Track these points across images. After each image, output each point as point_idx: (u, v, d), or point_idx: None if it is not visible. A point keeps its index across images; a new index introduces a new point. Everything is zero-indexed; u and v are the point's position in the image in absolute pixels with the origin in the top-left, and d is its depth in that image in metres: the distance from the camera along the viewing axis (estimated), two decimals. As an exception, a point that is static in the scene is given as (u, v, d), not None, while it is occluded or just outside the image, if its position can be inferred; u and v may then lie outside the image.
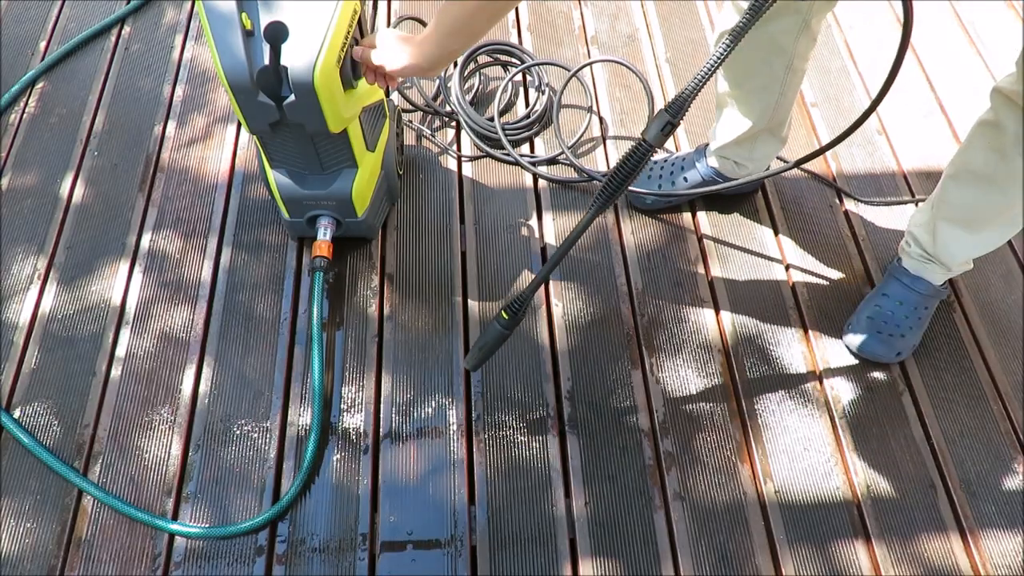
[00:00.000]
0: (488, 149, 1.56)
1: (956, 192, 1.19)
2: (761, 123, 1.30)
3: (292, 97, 1.05)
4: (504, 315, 1.10)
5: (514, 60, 1.71)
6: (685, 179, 1.45)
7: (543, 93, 1.63)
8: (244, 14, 1.01)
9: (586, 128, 1.61)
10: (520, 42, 1.77)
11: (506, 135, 1.55)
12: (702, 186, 1.45)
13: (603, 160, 1.59)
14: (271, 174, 1.25)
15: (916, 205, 1.51)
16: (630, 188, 1.49)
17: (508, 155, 1.55)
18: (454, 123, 1.62)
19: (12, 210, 1.48)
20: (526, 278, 1.40)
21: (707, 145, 1.45)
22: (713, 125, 1.40)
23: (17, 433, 1.21)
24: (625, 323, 1.36)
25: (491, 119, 1.57)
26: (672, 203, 1.49)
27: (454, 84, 1.61)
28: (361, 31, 1.16)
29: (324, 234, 1.30)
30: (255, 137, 1.20)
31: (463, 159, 1.57)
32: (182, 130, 1.60)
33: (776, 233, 1.49)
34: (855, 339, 1.33)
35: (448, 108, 1.62)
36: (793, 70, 1.22)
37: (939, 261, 1.27)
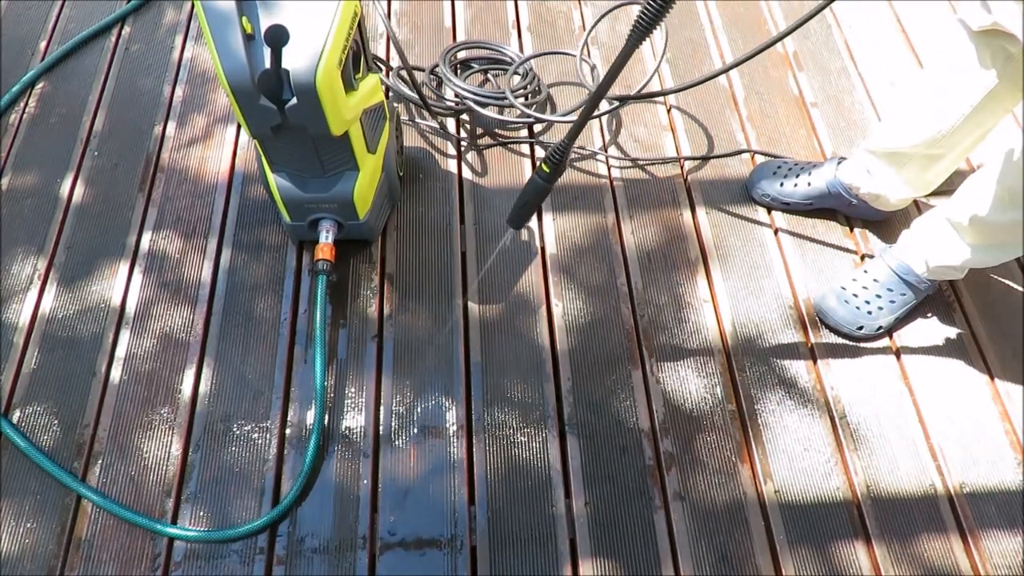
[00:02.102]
0: (476, 103, 1.56)
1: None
2: (923, 146, 1.26)
3: (294, 100, 1.05)
4: (545, 167, 1.05)
5: (502, 62, 1.72)
6: (809, 183, 1.46)
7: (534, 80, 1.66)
8: (244, 17, 1.01)
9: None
10: (520, 42, 1.77)
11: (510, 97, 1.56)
12: (823, 197, 1.45)
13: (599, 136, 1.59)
14: (272, 177, 1.25)
15: (919, 209, 1.51)
16: (755, 182, 1.51)
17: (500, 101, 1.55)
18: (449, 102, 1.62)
19: (12, 210, 1.48)
20: (526, 278, 1.41)
21: (843, 159, 1.45)
22: (870, 132, 1.37)
23: (15, 439, 1.21)
24: (625, 323, 1.37)
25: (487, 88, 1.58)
26: (789, 206, 1.50)
27: (442, 68, 1.62)
28: (362, 33, 1.16)
29: (326, 237, 1.30)
30: (255, 141, 1.20)
31: (462, 143, 1.58)
32: (182, 130, 1.60)
33: (776, 233, 1.49)
34: (822, 300, 1.37)
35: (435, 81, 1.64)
36: (989, 97, 1.14)
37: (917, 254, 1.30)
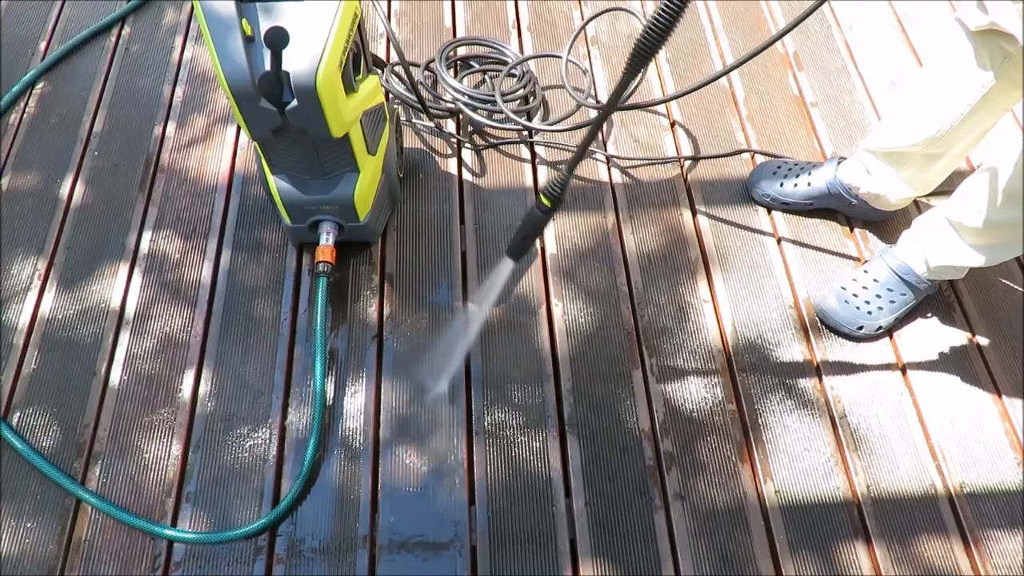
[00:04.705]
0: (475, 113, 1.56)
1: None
2: (922, 145, 1.26)
3: (294, 102, 1.05)
4: (544, 200, 1.02)
5: (502, 62, 1.71)
6: (809, 183, 1.46)
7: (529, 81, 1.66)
8: (244, 20, 1.01)
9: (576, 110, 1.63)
10: (520, 42, 1.77)
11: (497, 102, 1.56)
12: (823, 197, 1.46)
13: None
14: (272, 180, 1.25)
15: (919, 208, 1.51)
16: (755, 182, 1.51)
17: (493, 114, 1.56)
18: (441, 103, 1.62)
19: (12, 211, 1.48)
20: (527, 278, 1.41)
21: (843, 159, 1.45)
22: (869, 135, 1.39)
23: (15, 443, 1.21)
24: (625, 323, 1.37)
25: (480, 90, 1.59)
26: (789, 206, 1.50)
27: (437, 65, 1.62)
28: (362, 34, 1.16)
29: (326, 239, 1.30)
30: (255, 143, 1.20)
31: (462, 143, 1.58)
32: (182, 131, 1.60)
33: (776, 233, 1.49)
34: (822, 300, 1.37)
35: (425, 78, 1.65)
36: (988, 96, 1.14)
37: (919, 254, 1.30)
